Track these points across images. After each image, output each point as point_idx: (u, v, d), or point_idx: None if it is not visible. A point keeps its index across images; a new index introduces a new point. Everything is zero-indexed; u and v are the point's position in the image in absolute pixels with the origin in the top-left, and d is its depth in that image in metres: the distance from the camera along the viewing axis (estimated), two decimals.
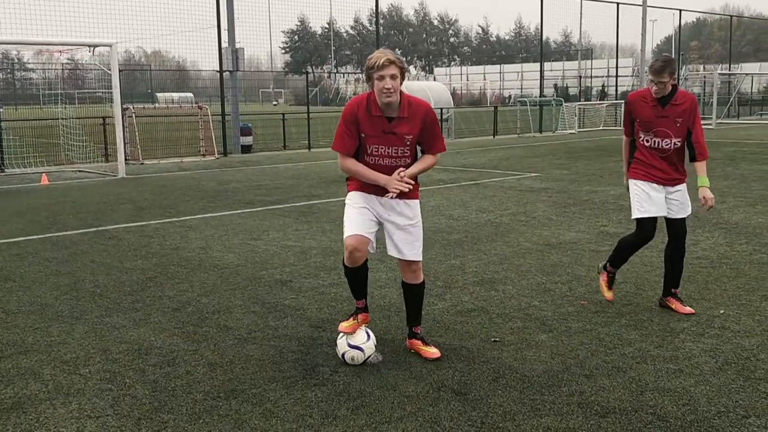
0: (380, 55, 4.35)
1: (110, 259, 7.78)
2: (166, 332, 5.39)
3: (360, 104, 4.52)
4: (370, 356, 4.69)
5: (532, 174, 15.34)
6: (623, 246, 5.86)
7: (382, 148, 4.52)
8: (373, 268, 6.66)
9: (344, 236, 4.58)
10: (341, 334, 4.74)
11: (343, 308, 5.81)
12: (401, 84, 4.43)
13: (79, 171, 17.20)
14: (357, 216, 4.58)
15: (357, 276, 4.73)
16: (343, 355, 4.70)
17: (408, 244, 4.67)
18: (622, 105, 34.32)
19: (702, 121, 5.72)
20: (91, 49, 16.93)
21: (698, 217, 9.69)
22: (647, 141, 5.62)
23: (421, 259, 4.76)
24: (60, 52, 20.41)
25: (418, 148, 4.69)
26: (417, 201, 4.75)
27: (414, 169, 4.59)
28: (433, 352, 4.79)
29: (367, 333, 4.75)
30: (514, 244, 8.27)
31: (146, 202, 11.95)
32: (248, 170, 17.27)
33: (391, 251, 4.72)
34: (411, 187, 4.53)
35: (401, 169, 4.53)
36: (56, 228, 9.64)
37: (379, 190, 4.60)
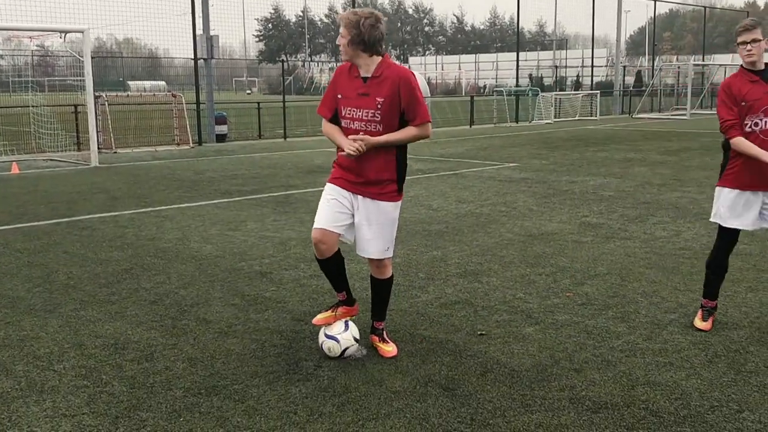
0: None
1: (84, 250, 7.58)
2: (143, 326, 5.23)
3: (345, 66, 4.51)
4: (348, 348, 4.57)
5: (511, 164, 15.28)
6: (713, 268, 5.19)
7: (354, 111, 4.40)
8: (356, 259, 6.54)
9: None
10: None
11: (324, 300, 5.69)
12: (361, 46, 4.29)
13: (51, 160, 16.86)
14: (326, 209, 4.47)
15: (329, 268, 4.60)
16: (321, 345, 4.61)
17: (367, 242, 4.52)
18: (597, 95, 34.51)
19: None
20: (63, 35, 16.55)
21: (678, 208, 9.69)
22: (756, 125, 4.79)
23: (384, 257, 4.59)
24: (30, 38, 19.95)
25: None
26: (390, 204, 4.51)
27: (383, 137, 4.36)
28: (389, 350, 4.66)
29: (346, 324, 4.64)
30: (495, 235, 8.18)
31: (120, 192, 11.71)
32: (224, 159, 17.04)
33: (357, 248, 4.62)
34: (361, 149, 4.29)
35: (362, 134, 4.36)
36: (27, 218, 9.40)
37: (354, 186, 4.48)
